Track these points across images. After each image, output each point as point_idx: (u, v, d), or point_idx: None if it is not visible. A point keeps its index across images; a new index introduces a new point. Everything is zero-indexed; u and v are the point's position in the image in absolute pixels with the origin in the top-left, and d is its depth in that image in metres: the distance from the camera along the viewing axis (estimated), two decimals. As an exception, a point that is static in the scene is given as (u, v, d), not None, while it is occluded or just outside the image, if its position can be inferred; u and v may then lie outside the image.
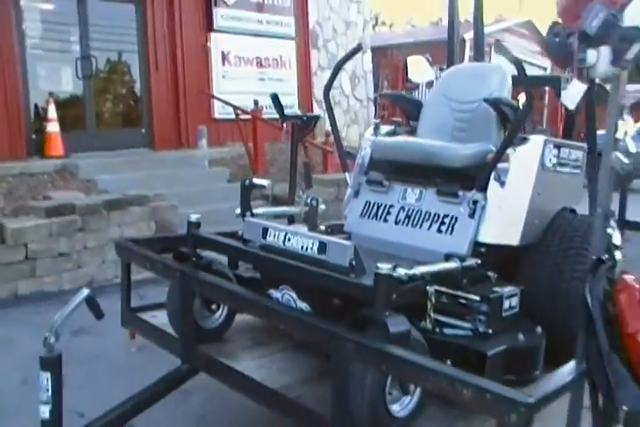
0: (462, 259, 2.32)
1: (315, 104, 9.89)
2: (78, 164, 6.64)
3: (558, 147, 2.62)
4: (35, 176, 6.22)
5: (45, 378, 1.72)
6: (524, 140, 2.53)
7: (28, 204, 5.31)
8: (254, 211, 2.67)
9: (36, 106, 7.36)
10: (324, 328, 1.96)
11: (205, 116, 8.53)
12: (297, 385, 2.29)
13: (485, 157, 2.50)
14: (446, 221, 2.53)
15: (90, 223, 5.17)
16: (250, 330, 2.79)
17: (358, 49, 2.81)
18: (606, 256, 1.78)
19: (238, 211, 2.66)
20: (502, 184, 2.46)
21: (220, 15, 8.73)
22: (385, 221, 2.72)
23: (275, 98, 2.84)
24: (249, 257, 2.48)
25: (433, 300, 2.17)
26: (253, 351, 2.60)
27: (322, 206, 2.87)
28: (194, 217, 2.64)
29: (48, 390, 1.72)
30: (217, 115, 8.63)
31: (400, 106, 3.16)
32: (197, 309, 2.60)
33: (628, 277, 1.77)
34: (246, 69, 9.16)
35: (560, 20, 1.74)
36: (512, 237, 2.47)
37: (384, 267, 1.91)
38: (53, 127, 7.08)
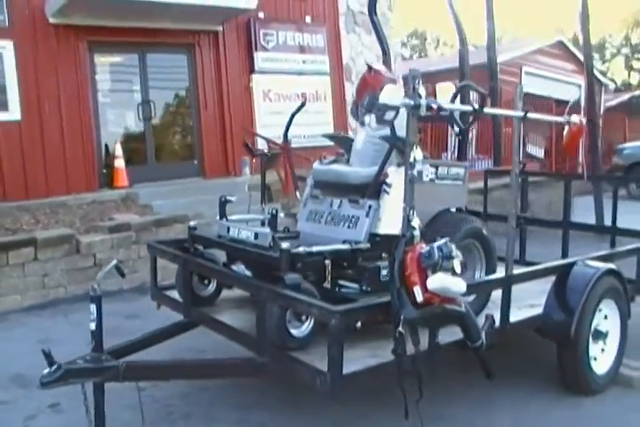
0: (356, 243, 3.75)
1: (350, 132, 11.41)
2: (139, 192, 8.47)
3: (436, 166, 4.01)
4: (104, 203, 8.12)
5: (92, 307, 3.27)
6: (407, 163, 3.94)
7: (96, 224, 7.14)
8: (230, 217, 4.22)
9: (106, 145, 9.31)
10: (253, 283, 3.47)
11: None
12: (248, 327, 3.78)
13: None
14: (353, 220, 3.96)
15: (142, 237, 6.93)
16: (233, 300, 4.31)
17: (302, 105, 4.35)
18: (407, 233, 3.19)
19: (218, 217, 4.21)
20: (388, 193, 3.89)
21: (261, 58, 10.45)
22: (319, 222, 4.18)
23: (246, 145, 4.40)
24: (217, 245, 4.04)
25: (329, 269, 3.61)
26: (231, 311, 4.12)
27: (281, 215, 4.38)
28: (192, 223, 4.23)
29: (94, 314, 3.27)
30: (258, 146, 10.23)
31: (336, 142, 4.64)
32: (195, 283, 4.14)
33: (418, 246, 3.14)
34: (286, 104, 10.71)
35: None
36: (395, 229, 3.85)
37: (285, 245, 3.39)
38: (120, 163, 8.96)
